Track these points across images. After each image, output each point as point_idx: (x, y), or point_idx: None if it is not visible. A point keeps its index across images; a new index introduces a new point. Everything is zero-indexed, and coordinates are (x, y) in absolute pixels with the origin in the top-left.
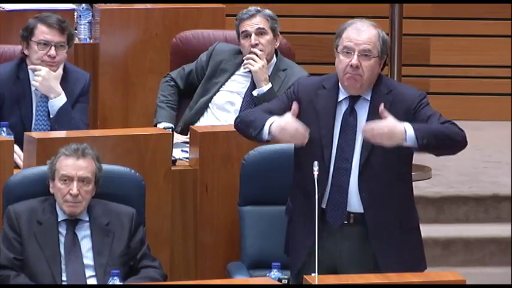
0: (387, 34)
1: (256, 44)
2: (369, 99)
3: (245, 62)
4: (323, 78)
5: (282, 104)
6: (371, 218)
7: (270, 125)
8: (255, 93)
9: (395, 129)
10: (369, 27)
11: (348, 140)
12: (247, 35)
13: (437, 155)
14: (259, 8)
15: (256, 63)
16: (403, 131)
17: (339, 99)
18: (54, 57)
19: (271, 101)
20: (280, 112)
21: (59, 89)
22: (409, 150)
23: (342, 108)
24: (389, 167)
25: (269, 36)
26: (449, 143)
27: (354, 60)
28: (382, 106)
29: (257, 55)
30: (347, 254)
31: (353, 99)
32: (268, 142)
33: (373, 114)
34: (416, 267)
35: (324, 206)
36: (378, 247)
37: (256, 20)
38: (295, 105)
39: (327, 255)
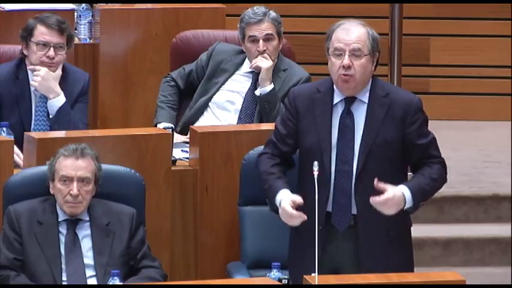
0: (387, 34)
1: (264, 51)
2: (366, 101)
3: (255, 60)
4: (317, 83)
5: (288, 121)
6: (362, 221)
7: (280, 202)
8: (257, 92)
9: (394, 199)
10: (357, 26)
11: (347, 142)
12: (255, 39)
13: None
14: (265, 10)
15: (267, 61)
16: (402, 196)
17: (335, 102)
18: (53, 58)
19: (278, 127)
20: (292, 132)
21: (58, 89)
22: (405, 160)
23: (338, 111)
24: (384, 174)
25: (276, 42)
26: (435, 193)
27: (346, 60)
28: (376, 181)
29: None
30: (348, 255)
31: (349, 101)
32: None
33: (371, 117)
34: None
35: (329, 209)
36: (365, 252)
37: (264, 26)
38: (299, 201)
39: (328, 257)
